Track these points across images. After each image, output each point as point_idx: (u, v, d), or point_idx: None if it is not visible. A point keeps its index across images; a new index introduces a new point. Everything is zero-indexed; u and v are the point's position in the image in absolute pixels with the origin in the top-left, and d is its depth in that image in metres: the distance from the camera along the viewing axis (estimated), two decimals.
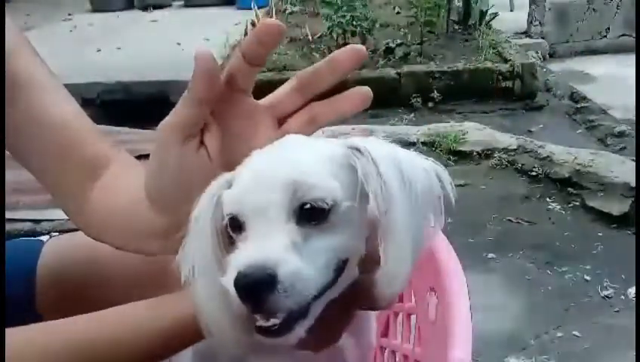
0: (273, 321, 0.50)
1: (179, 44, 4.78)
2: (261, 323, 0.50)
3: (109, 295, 0.77)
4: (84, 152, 0.75)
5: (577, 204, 2.45)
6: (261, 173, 0.54)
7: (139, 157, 2.54)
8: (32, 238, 1.00)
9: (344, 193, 0.53)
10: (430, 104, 3.85)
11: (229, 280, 0.49)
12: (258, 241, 0.51)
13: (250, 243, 0.51)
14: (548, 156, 2.73)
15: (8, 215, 2.43)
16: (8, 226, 2.16)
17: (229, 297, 0.50)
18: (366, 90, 0.69)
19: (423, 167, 0.56)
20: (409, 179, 0.53)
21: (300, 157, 0.55)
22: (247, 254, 0.50)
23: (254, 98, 0.72)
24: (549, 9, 4.90)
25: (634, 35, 4.71)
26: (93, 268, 0.91)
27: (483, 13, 4.61)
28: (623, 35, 4.86)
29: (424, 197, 0.54)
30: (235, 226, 0.54)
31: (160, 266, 0.70)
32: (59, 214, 2.32)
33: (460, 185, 2.68)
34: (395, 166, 0.54)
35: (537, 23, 4.99)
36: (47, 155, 0.74)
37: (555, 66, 4.67)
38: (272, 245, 0.50)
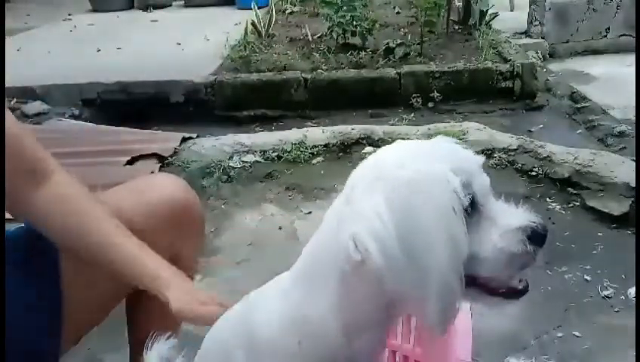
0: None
1: (179, 44, 4.78)
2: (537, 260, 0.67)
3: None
4: (27, 160, 0.93)
5: (577, 204, 2.45)
6: None
7: (139, 157, 2.57)
8: None
9: None
10: (430, 104, 3.85)
11: (516, 231, 0.67)
12: (511, 208, 0.71)
13: (508, 210, 0.70)
14: (548, 156, 2.73)
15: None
16: (9, 225, 2.15)
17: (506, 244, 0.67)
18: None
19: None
20: None
21: None
22: (522, 214, 0.69)
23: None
24: (549, 9, 4.90)
25: (634, 35, 4.72)
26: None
27: (483, 13, 4.61)
28: (623, 35, 4.86)
29: None
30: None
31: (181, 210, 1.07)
32: None
33: None
34: None
35: (537, 22, 4.99)
36: None
37: (555, 66, 4.67)
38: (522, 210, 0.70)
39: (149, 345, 0.86)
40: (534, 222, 0.68)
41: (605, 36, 4.92)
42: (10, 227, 1.03)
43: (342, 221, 0.67)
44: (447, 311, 0.63)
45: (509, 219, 0.69)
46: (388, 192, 0.65)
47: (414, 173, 0.66)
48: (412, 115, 3.76)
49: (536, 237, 0.67)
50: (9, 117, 0.93)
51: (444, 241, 0.62)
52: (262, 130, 3.51)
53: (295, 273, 0.76)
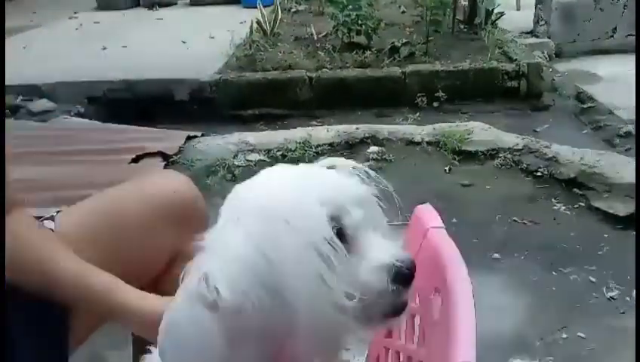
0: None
1: (184, 42, 4.79)
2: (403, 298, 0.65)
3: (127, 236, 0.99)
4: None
5: (583, 204, 2.44)
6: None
7: (144, 155, 2.57)
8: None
9: None
10: (435, 104, 3.84)
11: (382, 268, 0.64)
12: (383, 243, 0.66)
13: (379, 245, 0.66)
14: (553, 156, 2.72)
15: None
16: None
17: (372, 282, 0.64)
18: None
19: None
20: None
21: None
22: (391, 250, 0.65)
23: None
24: (556, 8, 4.88)
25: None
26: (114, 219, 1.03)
27: (489, 13, 4.59)
28: (629, 35, 4.83)
29: None
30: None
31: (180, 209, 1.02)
32: None
33: (465, 186, 2.67)
34: None
35: (543, 22, 4.97)
36: None
37: (561, 66, 4.65)
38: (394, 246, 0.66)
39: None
40: (400, 261, 0.65)
41: (612, 36, 4.89)
42: None
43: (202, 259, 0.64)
44: (326, 345, 0.63)
45: (377, 255, 0.65)
46: (249, 226, 0.63)
47: (278, 203, 0.64)
48: (417, 114, 3.75)
49: (399, 276, 0.64)
50: None
51: (309, 275, 0.60)
52: (267, 129, 3.51)
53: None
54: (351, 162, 0.73)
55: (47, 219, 1.03)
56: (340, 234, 0.64)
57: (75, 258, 0.92)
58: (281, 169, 0.71)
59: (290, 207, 0.63)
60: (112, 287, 0.89)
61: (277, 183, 0.68)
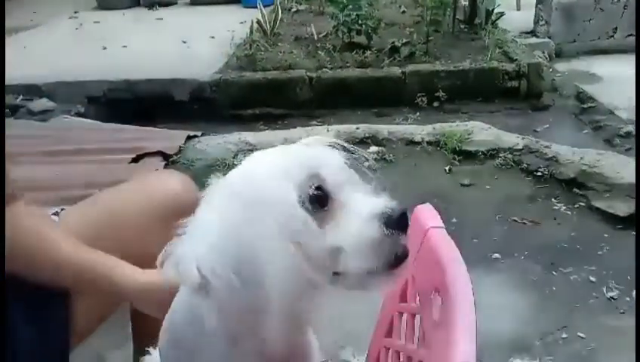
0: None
1: (184, 42, 4.79)
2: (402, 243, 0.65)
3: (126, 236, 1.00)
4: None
5: (583, 204, 2.44)
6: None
7: (144, 155, 2.57)
8: None
9: None
10: (435, 103, 3.84)
11: (373, 216, 0.63)
12: (368, 198, 0.66)
13: (364, 199, 0.65)
14: (554, 156, 2.72)
15: None
16: None
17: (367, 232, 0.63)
18: None
19: None
20: None
21: None
22: (379, 201, 0.65)
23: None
24: (556, 8, 4.88)
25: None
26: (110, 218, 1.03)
27: (489, 13, 4.59)
28: (630, 35, 4.83)
29: None
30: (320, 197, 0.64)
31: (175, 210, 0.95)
32: None
33: (465, 185, 2.67)
34: None
35: (544, 22, 4.97)
36: None
37: (561, 66, 4.65)
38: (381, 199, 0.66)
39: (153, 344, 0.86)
40: (390, 207, 0.65)
41: (612, 36, 4.89)
42: None
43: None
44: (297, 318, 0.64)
45: (365, 207, 0.65)
46: (221, 205, 0.64)
47: (249, 180, 0.65)
48: (417, 114, 3.75)
49: (392, 221, 0.64)
50: None
51: (287, 241, 0.61)
52: (267, 129, 3.51)
53: None
54: (329, 138, 0.73)
55: (52, 214, 1.03)
56: (324, 193, 0.64)
57: (75, 241, 0.93)
58: (260, 153, 0.71)
59: (263, 178, 0.65)
60: (112, 264, 0.92)
61: (250, 164, 0.69)
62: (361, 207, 0.64)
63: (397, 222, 0.65)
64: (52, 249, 0.91)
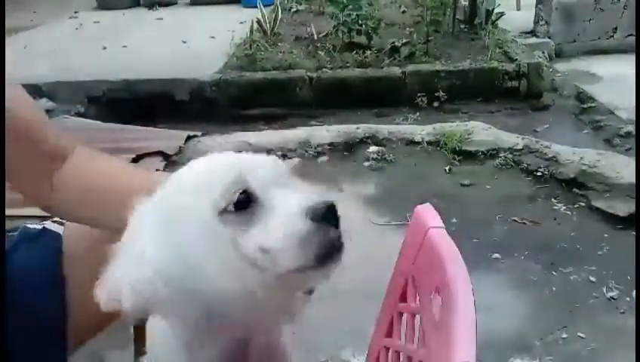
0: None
1: (184, 42, 4.79)
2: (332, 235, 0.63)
3: None
4: (43, 145, 0.87)
5: (583, 204, 2.44)
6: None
7: (144, 155, 2.57)
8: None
9: None
10: (435, 103, 3.84)
11: (298, 212, 0.62)
12: (296, 195, 0.64)
13: (292, 196, 0.64)
14: (554, 156, 2.72)
15: (15, 211, 2.43)
16: (15, 222, 2.16)
17: (296, 231, 0.61)
18: None
19: None
20: None
21: None
22: (304, 196, 0.63)
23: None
24: (556, 8, 4.88)
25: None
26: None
27: (489, 13, 4.59)
28: (630, 35, 4.83)
29: None
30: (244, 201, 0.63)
31: None
32: None
33: (465, 185, 2.67)
34: None
35: (544, 22, 4.97)
36: (14, 155, 0.84)
37: (561, 66, 4.65)
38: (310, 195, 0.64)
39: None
40: (315, 201, 0.63)
41: (612, 36, 4.89)
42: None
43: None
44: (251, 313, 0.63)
45: (290, 204, 0.64)
46: (149, 227, 0.64)
47: (170, 197, 0.66)
48: (417, 114, 3.75)
49: (317, 214, 0.62)
50: (20, 100, 0.89)
51: (214, 250, 0.61)
52: (267, 129, 3.51)
53: None
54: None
55: (55, 222, 1.02)
56: (246, 201, 0.63)
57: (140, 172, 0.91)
58: (188, 166, 0.71)
59: (177, 197, 0.65)
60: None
61: (173, 179, 0.69)
62: (287, 204, 0.64)
63: (323, 216, 0.63)
64: (122, 186, 0.86)
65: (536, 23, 5.05)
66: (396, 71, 3.91)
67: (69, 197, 0.87)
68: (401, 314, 0.86)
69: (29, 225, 1.02)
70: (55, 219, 1.04)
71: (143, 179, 0.89)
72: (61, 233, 1.00)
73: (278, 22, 4.76)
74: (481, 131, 3.00)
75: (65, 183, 0.87)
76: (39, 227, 1.02)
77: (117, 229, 0.81)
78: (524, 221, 2.37)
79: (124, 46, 4.75)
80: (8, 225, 1.01)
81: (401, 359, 0.84)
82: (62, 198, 0.88)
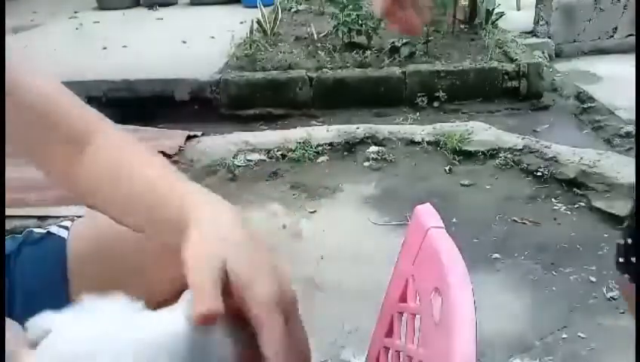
0: None
1: (184, 42, 4.79)
2: None
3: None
4: (69, 127, 0.80)
5: (583, 204, 2.44)
6: None
7: None
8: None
9: None
10: (435, 103, 3.84)
11: None
12: None
13: None
14: (554, 156, 2.72)
15: (15, 211, 2.44)
16: (15, 222, 2.17)
17: None
18: None
19: None
20: None
21: None
22: None
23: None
24: (556, 8, 4.88)
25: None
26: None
27: (489, 13, 4.60)
28: (630, 35, 4.83)
29: None
30: None
31: None
32: (64, 211, 2.32)
33: (465, 185, 2.67)
34: None
35: (544, 22, 4.97)
36: (31, 133, 0.78)
37: (561, 66, 4.65)
38: None
39: None
40: None
41: (612, 36, 4.90)
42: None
43: None
44: None
45: None
46: None
47: None
48: (417, 114, 3.75)
49: None
50: (42, 79, 0.82)
51: None
52: (267, 129, 3.52)
53: None
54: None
55: (61, 227, 1.02)
56: None
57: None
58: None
59: None
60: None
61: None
62: None
63: None
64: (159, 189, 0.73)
65: (536, 23, 5.05)
66: (396, 71, 3.91)
67: (97, 188, 0.78)
68: (401, 314, 0.86)
69: (33, 229, 1.02)
70: (61, 223, 1.03)
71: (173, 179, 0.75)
72: (66, 237, 1.00)
73: (278, 22, 4.76)
74: (481, 131, 3.00)
75: (90, 173, 0.78)
76: (43, 231, 1.02)
77: (139, 229, 0.74)
78: (524, 221, 2.37)
79: (124, 46, 4.75)
80: (8, 225, 1.00)
81: (401, 359, 0.84)
82: (89, 188, 0.78)
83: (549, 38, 4.93)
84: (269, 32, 4.61)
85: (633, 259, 0.94)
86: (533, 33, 5.07)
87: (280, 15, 4.88)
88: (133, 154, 0.83)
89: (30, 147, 0.80)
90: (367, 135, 3.05)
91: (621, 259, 0.99)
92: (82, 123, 0.82)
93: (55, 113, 0.80)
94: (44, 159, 0.81)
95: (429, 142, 2.98)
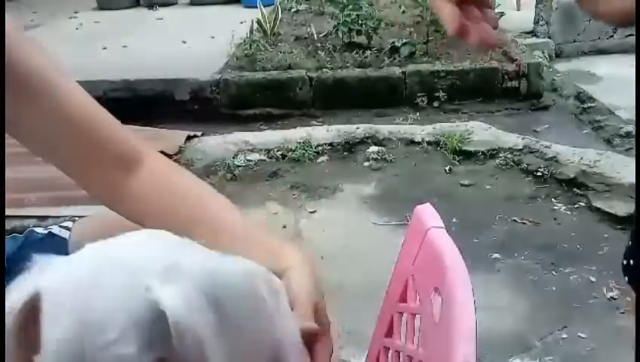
0: None
1: (184, 42, 4.79)
2: None
3: None
4: (114, 149, 0.82)
5: (583, 204, 2.44)
6: None
7: None
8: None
9: None
10: (435, 103, 3.84)
11: None
12: None
13: None
14: (554, 156, 2.72)
15: (14, 211, 2.44)
16: (14, 222, 2.17)
17: None
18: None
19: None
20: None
21: None
22: None
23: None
24: (556, 8, 4.88)
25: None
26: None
27: None
28: (630, 35, 4.83)
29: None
30: None
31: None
32: (64, 211, 2.33)
33: (465, 185, 2.67)
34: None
35: (544, 22, 4.97)
36: (77, 153, 0.79)
37: (561, 66, 4.65)
38: None
39: None
40: None
41: (612, 36, 4.90)
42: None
43: None
44: None
45: None
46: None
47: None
48: (417, 114, 3.75)
49: None
50: (81, 92, 0.83)
51: None
52: (267, 129, 3.52)
53: None
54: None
55: (62, 227, 1.02)
56: None
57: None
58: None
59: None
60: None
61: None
62: None
63: None
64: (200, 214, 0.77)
65: (536, 23, 5.05)
66: (396, 71, 3.91)
67: (149, 209, 0.78)
68: (401, 314, 0.86)
69: (35, 229, 1.02)
70: (62, 224, 1.03)
71: (230, 214, 0.77)
72: (67, 238, 1.00)
73: (278, 22, 4.76)
74: (481, 131, 3.01)
75: (142, 195, 0.79)
76: (45, 231, 1.02)
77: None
78: (524, 221, 2.37)
79: (124, 46, 4.75)
80: (8, 225, 1.00)
81: (401, 359, 0.84)
82: (131, 208, 0.79)
83: (549, 38, 4.93)
84: (269, 32, 4.61)
85: (632, 262, 0.94)
86: (533, 33, 5.07)
87: (280, 15, 4.88)
88: (186, 177, 0.84)
89: (68, 161, 0.80)
90: (367, 135, 3.05)
91: (624, 262, 0.99)
92: (129, 145, 0.84)
93: (99, 132, 0.82)
94: (87, 178, 0.81)
95: (429, 142, 2.99)
